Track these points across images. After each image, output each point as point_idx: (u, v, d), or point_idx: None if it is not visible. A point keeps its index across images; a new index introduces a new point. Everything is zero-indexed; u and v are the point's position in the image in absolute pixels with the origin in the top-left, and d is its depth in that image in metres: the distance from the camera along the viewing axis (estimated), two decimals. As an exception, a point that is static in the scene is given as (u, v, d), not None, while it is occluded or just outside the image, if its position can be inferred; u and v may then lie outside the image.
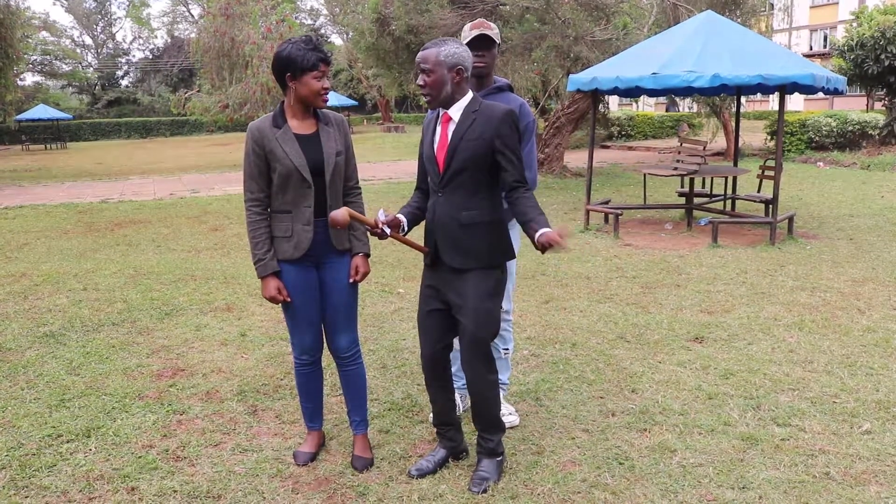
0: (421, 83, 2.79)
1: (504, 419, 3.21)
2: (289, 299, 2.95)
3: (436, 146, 2.86)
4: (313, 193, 2.88)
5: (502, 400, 3.46)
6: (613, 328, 4.94)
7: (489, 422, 2.97)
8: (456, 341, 3.08)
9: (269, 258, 2.91)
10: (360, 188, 3.12)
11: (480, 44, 3.26)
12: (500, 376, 3.51)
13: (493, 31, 3.30)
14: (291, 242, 2.91)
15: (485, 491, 2.86)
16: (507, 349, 3.56)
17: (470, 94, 2.85)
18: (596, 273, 6.56)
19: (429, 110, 2.97)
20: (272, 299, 2.93)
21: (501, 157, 2.79)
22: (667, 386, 3.93)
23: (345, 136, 3.01)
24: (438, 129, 2.88)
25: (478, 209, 2.82)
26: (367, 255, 3.06)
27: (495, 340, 3.29)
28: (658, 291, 5.87)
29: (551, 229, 2.62)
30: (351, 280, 3.02)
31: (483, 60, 3.27)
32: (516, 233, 3.35)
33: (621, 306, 5.46)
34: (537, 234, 2.64)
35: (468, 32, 3.30)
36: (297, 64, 2.78)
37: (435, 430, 3.17)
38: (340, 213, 2.66)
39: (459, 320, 2.86)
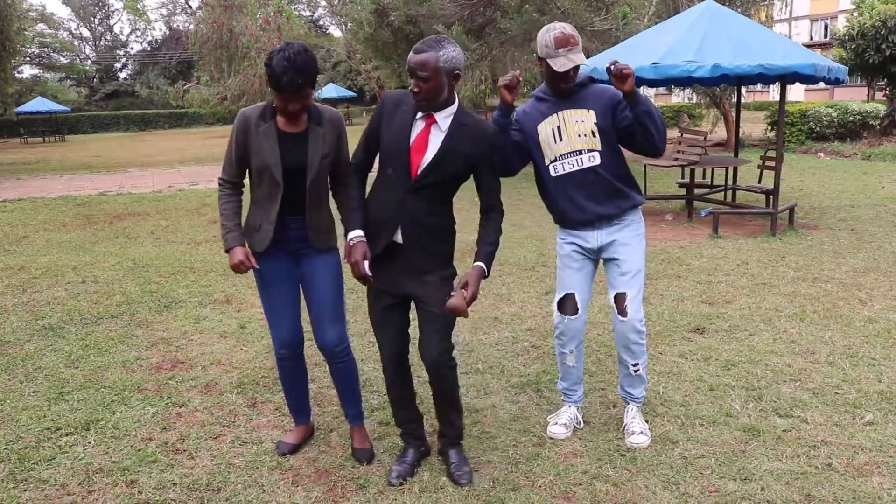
0: (416, 89, 2.60)
1: (639, 436, 3.17)
2: (256, 265, 2.84)
3: (411, 142, 2.70)
4: (281, 195, 2.82)
5: (637, 413, 3.30)
6: (614, 319, 4.92)
7: (452, 401, 2.91)
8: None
9: (237, 231, 2.87)
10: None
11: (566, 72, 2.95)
12: (634, 391, 3.30)
13: (580, 56, 2.93)
14: (258, 236, 2.89)
15: (471, 481, 2.85)
16: (637, 364, 3.24)
17: (456, 99, 2.74)
18: (596, 264, 6.52)
19: (393, 93, 2.83)
20: (240, 265, 2.80)
21: (485, 178, 2.81)
22: (668, 377, 3.92)
23: (338, 135, 2.89)
24: (417, 125, 2.71)
25: (440, 215, 2.80)
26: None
27: (624, 356, 3.20)
28: (659, 282, 5.86)
29: (471, 280, 2.70)
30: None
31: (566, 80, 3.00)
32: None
33: (622, 297, 5.43)
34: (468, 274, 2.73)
35: (553, 52, 2.91)
36: (270, 80, 2.69)
37: (400, 431, 3.09)
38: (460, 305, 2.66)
39: (422, 306, 2.79)
